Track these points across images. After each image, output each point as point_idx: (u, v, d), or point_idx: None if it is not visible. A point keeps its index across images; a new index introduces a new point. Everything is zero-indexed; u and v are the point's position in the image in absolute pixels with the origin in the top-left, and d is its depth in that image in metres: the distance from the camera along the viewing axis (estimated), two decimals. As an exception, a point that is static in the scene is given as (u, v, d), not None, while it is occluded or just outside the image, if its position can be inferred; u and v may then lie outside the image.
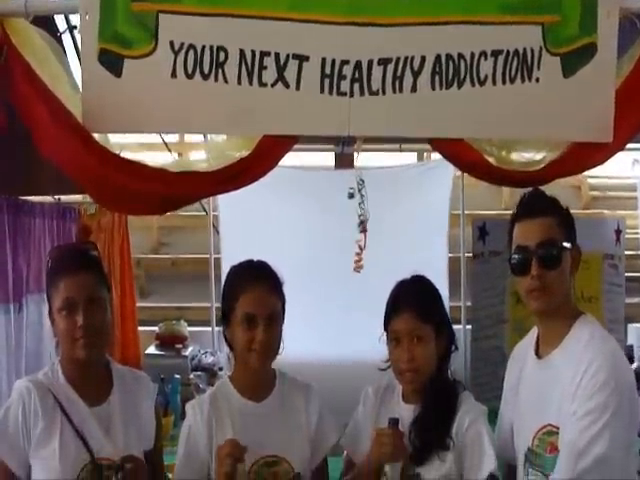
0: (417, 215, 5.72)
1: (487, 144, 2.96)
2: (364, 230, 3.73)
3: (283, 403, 2.72)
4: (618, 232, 5.43)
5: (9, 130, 2.88)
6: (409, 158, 6.75)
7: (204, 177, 2.80)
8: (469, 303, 5.75)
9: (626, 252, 5.64)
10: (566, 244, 2.49)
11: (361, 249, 3.93)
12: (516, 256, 2.52)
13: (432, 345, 2.67)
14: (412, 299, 2.70)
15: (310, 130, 2.85)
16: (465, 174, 5.84)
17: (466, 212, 6.06)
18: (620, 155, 2.91)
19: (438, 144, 2.94)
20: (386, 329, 2.74)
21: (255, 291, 2.61)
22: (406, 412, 2.70)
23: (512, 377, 2.73)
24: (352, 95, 2.80)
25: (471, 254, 5.64)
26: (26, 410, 2.53)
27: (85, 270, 2.61)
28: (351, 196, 3.69)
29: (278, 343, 2.65)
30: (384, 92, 2.81)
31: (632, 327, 5.87)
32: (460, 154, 2.92)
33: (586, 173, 8.35)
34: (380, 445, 2.57)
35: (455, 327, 6.05)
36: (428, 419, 2.64)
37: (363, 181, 3.50)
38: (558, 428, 2.41)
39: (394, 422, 2.60)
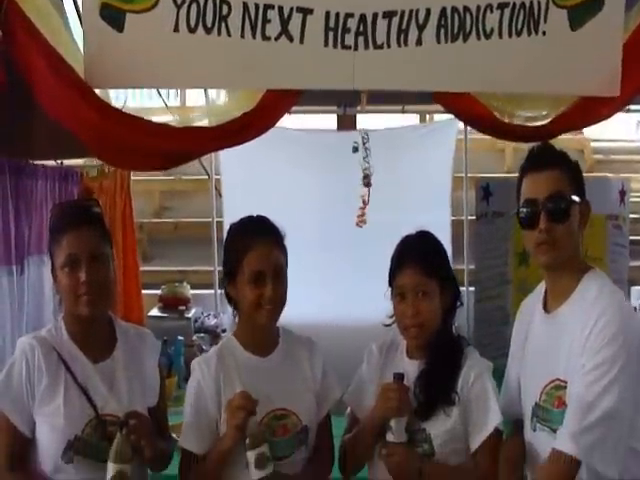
0: (420, 177, 5.68)
1: (493, 99, 2.94)
2: (368, 184, 3.69)
3: (288, 358, 2.71)
4: (622, 193, 5.38)
5: (10, 93, 2.86)
6: (411, 120, 6.70)
7: (206, 132, 2.78)
8: (472, 266, 5.74)
9: (630, 215, 5.60)
10: (575, 198, 2.45)
11: (365, 203, 3.89)
12: (524, 209, 2.47)
13: (437, 300, 2.66)
14: (417, 254, 2.68)
15: (314, 84, 2.83)
16: (468, 137, 5.93)
17: (469, 175, 6.02)
18: (624, 117, 2.90)
19: (443, 98, 2.92)
20: (391, 284, 2.72)
21: (260, 247, 2.58)
22: (410, 368, 2.69)
23: (519, 332, 2.71)
24: (356, 48, 2.77)
25: (474, 216, 5.62)
26: (30, 367, 2.52)
27: (87, 226, 2.58)
28: (355, 150, 3.65)
29: (285, 297, 2.64)
30: (389, 45, 2.78)
31: (635, 289, 5.87)
32: (465, 108, 2.90)
33: (589, 136, 8.36)
34: (385, 400, 2.57)
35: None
36: (433, 374, 2.64)
37: (367, 135, 3.45)
38: (566, 382, 2.40)
39: (399, 377, 2.60)
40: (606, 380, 2.26)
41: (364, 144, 3.54)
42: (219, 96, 3.08)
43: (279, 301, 2.60)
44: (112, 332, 2.68)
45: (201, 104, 3.40)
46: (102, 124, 2.71)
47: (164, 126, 2.77)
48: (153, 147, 2.77)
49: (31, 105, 2.82)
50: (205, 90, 3.37)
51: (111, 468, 2.39)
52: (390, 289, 2.71)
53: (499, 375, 2.76)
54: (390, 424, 2.57)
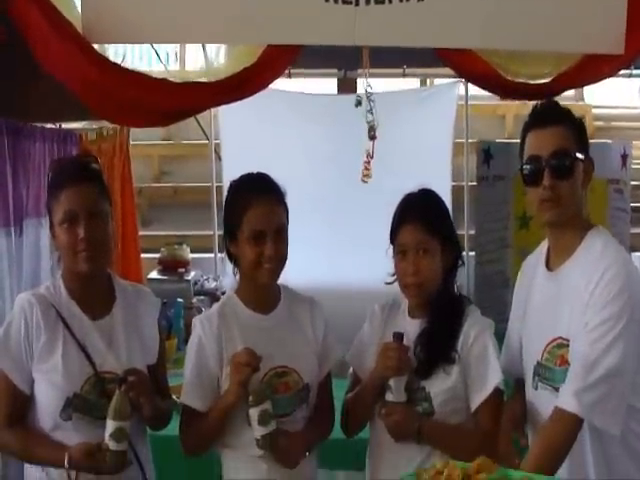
0: (420, 142, 5.66)
1: (495, 56, 2.90)
2: (373, 137, 3.63)
3: (289, 316, 2.70)
4: (624, 157, 5.34)
5: (9, 54, 2.83)
6: (412, 85, 6.66)
7: (206, 88, 2.75)
8: (472, 231, 5.73)
9: (631, 182, 5.56)
10: (579, 155, 2.42)
11: (370, 157, 3.84)
12: (528, 166, 2.45)
13: (438, 259, 2.63)
14: (419, 212, 2.66)
15: (314, 40, 2.80)
16: (469, 103, 5.90)
17: (469, 142, 5.99)
18: (625, 83, 2.86)
19: (445, 54, 2.88)
20: (392, 242, 2.69)
21: (261, 206, 2.56)
22: (412, 327, 2.68)
23: (521, 291, 2.70)
24: (357, 4, 2.74)
25: (475, 182, 5.60)
26: (28, 324, 2.50)
27: (86, 182, 2.55)
28: (358, 103, 3.59)
29: (286, 256, 2.62)
30: (390, 1, 2.74)
31: (635, 256, 5.84)
32: (467, 65, 2.87)
33: (590, 102, 8.33)
34: (385, 359, 2.56)
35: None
36: (433, 332, 2.63)
37: (371, 87, 3.39)
38: (568, 341, 2.38)
39: (399, 336, 2.58)
40: (610, 337, 2.24)
41: (368, 97, 3.47)
42: (218, 56, 3.04)
43: (280, 260, 2.58)
44: (111, 289, 2.66)
45: (201, 64, 3.36)
46: (101, 79, 2.68)
47: (164, 81, 2.73)
48: (152, 103, 2.74)
49: (30, 66, 2.78)
50: (204, 50, 3.32)
51: (110, 425, 2.38)
52: (392, 247, 2.70)
53: (499, 338, 2.74)
54: (389, 383, 2.56)
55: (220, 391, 2.57)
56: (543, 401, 2.46)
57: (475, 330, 2.61)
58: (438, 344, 2.61)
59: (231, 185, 2.70)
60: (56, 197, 2.53)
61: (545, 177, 2.38)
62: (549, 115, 2.47)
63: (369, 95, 3.54)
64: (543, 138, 2.42)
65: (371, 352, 2.70)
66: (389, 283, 2.73)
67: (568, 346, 2.37)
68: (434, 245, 2.62)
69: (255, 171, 2.69)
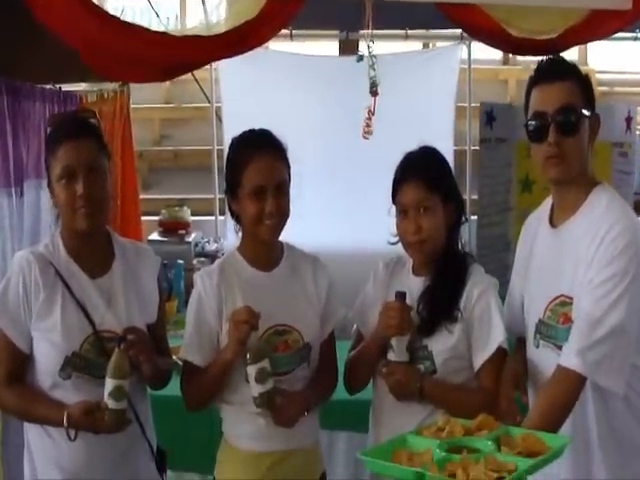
0: (423, 104, 5.64)
1: (500, 11, 2.85)
2: (375, 93, 3.58)
3: (292, 273, 2.68)
4: (628, 119, 5.25)
5: (8, 14, 2.78)
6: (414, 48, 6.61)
7: (207, 41, 2.71)
8: (475, 196, 5.69)
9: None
10: (585, 111, 2.38)
11: (371, 114, 3.80)
12: (533, 122, 2.40)
13: (440, 216, 2.61)
14: (419, 169, 2.63)
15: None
16: (471, 67, 5.85)
17: (472, 106, 5.94)
18: (631, 47, 2.81)
19: (448, 9, 2.84)
20: (394, 201, 2.67)
21: (261, 161, 2.53)
22: (415, 284, 2.66)
23: (523, 248, 2.66)
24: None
25: (477, 147, 5.55)
26: (27, 282, 2.47)
27: (85, 137, 2.51)
28: (360, 58, 3.55)
29: (288, 212, 2.59)
30: (394, -46, 2.70)
31: (640, 219, 5.80)
32: (472, 20, 2.84)
33: (594, 67, 8.26)
34: (387, 318, 2.54)
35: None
36: (436, 290, 2.61)
37: (373, 42, 3.34)
38: (572, 299, 2.35)
39: (401, 295, 2.56)
40: (615, 295, 2.21)
41: (370, 53, 3.43)
42: (219, 9, 2.99)
43: (281, 216, 2.56)
44: (110, 247, 2.63)
45: (200, 19, 3.31)
46: (100, 33, 2.64)
47: (163, 35, 2.69)
48: (152, 57, 2.71)
49: (30, 27, 2.73)
50: (204, 5, 3.27)
51: (109, 383, 2.36)
52: (394, 206, 2.67)
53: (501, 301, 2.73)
54: (391, 343, 2.55)
55: (220, 347, 2.56)
56: (545, 359, 2.44)
57: (479, 288, 2.59)
58: (441, 302, 2.60)
59: (232, 141, 2.67)
60: (54, 153, 2.49)
61: (550, 133, 2.34)
62: (555, 70, 2.42)
63: (371, 51, 3.50)
64: (549, 93, 2.38)
65: (374, 310, 2.68)
66: (393, 244, 2.71)
67: (571, 304, 2.34)
68: (435, 202, 2.59)
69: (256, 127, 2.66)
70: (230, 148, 2.67)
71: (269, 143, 2.59)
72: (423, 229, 2.58)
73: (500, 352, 2.56)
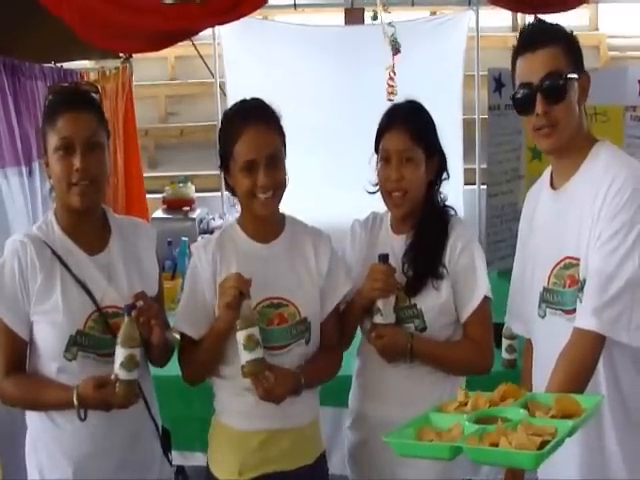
0: (431, 72, 5.56)
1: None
2: (397, 51, 3.49)
3: (292, 247, 2.60)
4: (642, 81, 5.17)
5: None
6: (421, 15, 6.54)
7: (202, 7, 2.65)
8: (484, 165, 5.61)
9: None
10: (572, 75, 2.27)
11: (393, 73, 3.71)
12: (519, 94, 2.29)
13: (422, 169, 2.58)
14: (405, 119, 2.58)
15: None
16: (480, 33, 5.76)
17: (481, 74, 5.86)
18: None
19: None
20: (376, 150, 2.63)
21: (250, 133, 2.44)
22: (397, 243, 2.64)
23: (527, 216, 2.56)
24: None
25: (486, 116, 5.46)
26: (22, 265, 2.39)
27: (86, 110, 2.42)
28: (375, 17, 3.44)
29: (283, 183, 2.51)
30: None
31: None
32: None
33: (605, 32, 8.15)
34: (371, 281, 2.52)
35: (469, 187, 5.98)
36: (419, 247, 2.59)
37: (388, 1, 3.23)
38: (578, 259, 2.25)
39: (384, 258, 2.54)
40: (626, 246, 2.13)
41: (384, 7, 3.33)
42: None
43: (276, 188, 2.48)
44: (106, 224, 2.55)
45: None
46: (94, 3, 2.57)
47: (157, 3, 2.62)
48: (148, 26, 2.64)
49: (30, 5, 2.67)
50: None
51: (120, 353, 2.28)
52: (374, 156, 2.64)
53: (510, 272, 2.65)
54: (377, 306, 2.53)
55: (214, 319, 2.51)
56: (552, 328, 2.34)
57: (462, 241, 2.58)
58: (425, 260, 2.58)
59: (223, 115, 2.62)
60: (52, 122, 2.39)
61: (537, 104, 2.23)
62: (537, 37, 2.29)
63: (386, 8, 3.39)
64: (532, 63, 2.28)
65: (356, 272, 2.66)
66: (372, 193, 2.68)
67: (577, 265, 2.25)
68: (418, 154, 2.57)
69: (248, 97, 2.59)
70: (221, 123, 2.61)
71: (258, 114, 2.49)
72: (405, 178, 2.56)
73: (485, 302, 2.57)
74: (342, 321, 2.67)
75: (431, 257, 2.57)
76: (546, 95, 2.23)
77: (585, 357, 2.17)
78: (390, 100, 4.07)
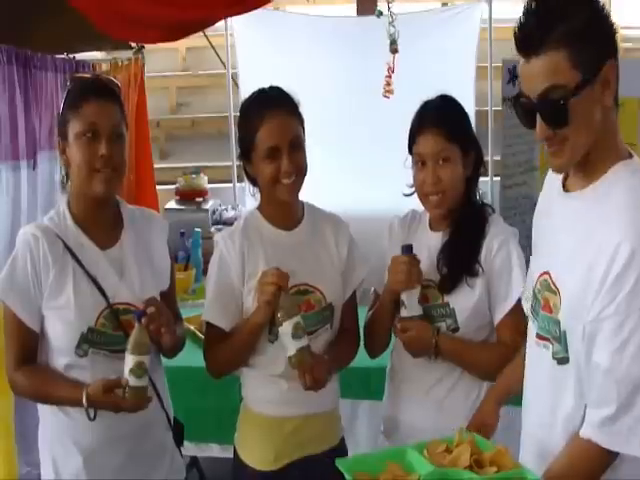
0: (443, 64, 5.52)
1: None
2: (395, 51, 3.48)
3: (313, 233, 2.60)
4: (656, 74, 5.10)
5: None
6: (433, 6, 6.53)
7: (218, -1, 2.63)
8: (497, 157, 5.58)
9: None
10: (582, 82, 1.78)
11: (391, 71, 3.69)
12: (519, 104, 1.88)
13: (459, 166, 2.50)
14: (437, 119, 2.50)
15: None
16: (493, 25, 5.72)
17: (493, 66, 5.82)
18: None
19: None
20: (410, 152, 2.56)
21: (273, 120, 2.43)
22: (434, 240, 2.58)
23: (542, 207, 2.18)
24: None
25: (499, 107, 5.42)
26: (35, 258, 2.36)
27: (111, 100, 2.42)
28: (380, 14, 3.43)
29: (305, 168, 2.49)
30: None
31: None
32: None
33: (619, 23, 8.09)
34: (394, 273, 2.47)
35: (482, 179, 5.93)
36: (455, 245, 2.52)
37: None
38: (555, 283, 1.93)
39: (407, 248, 2.48)
40: (634, 344, 1.77)
41: (389, 8, 3.32)
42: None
43: (298, 173, 2.46)
44: (119, 216, 2.53)
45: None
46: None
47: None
48: (163, 17, 2.63)
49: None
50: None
51: (130, 360, 2.26)
52: (409, 157, 2.57)
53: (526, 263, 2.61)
54: (402, 298, 2.48)
55: (243, 308, 2.50)
56: (529, 339, 2.12)
57: (498, 240, 2.49)
58: (461, 257, 2.51)
59: (242, 105, 2.59)
60: (77, 107, 2.36)
61: (538, 126, 1.84)
62: (529, 42, 1.81)
63: (390, 6, 3.39)
64: (528, 75, 1.84)
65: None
66: (408, 195, 2.62)
67: (554, 293, 1.95)
68: (454, 152, 2.49)
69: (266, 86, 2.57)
70: (241, 110, 2.58)
71: (279, 101, 2.49)
72: (442, 180, 2.48)
73: (520, 305, 2.33)
74: (374, 322, 2.65)
75: (467, 254, 2.50)
76: (546, 118, 1.83)
77: (591, 472, 1.88)
78: (386, 97, 4.04)
